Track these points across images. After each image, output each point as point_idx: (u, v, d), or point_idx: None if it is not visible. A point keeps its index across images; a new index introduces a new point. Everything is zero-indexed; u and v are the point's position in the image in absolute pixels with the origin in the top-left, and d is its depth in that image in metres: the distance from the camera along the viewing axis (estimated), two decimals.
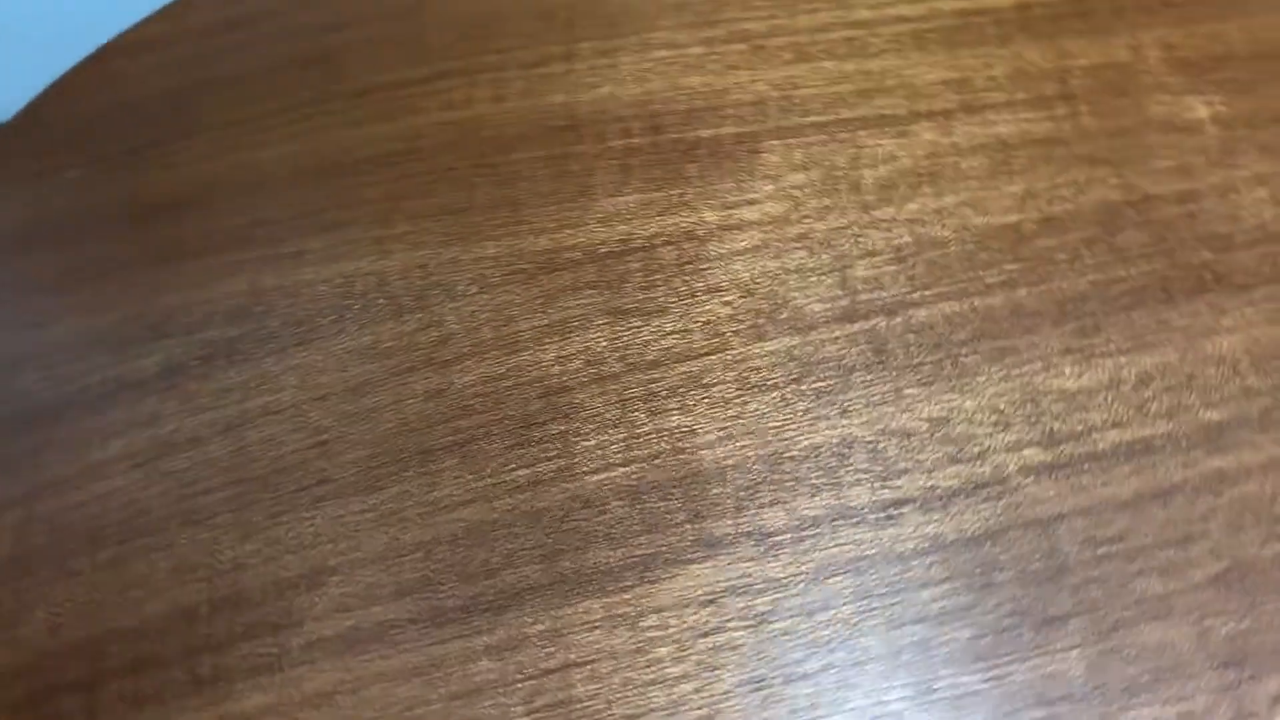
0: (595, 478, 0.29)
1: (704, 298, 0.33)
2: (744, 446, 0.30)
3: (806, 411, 0.30)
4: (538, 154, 0.38)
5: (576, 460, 0.30)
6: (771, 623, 0.27)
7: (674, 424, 0.30)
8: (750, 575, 0.28)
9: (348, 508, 0.30)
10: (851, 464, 0.29)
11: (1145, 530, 0.27)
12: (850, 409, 0.30)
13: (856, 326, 0.31)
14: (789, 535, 0.28)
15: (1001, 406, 0.29)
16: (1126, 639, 0.26)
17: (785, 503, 0.29)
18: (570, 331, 0.33)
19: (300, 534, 0.30)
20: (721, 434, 0.30)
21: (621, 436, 0.30)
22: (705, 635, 0.27)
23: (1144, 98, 0.35)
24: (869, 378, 0.30)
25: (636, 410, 0.31)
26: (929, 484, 0.28)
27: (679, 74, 0.39)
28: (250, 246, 0.38)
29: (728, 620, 0.27)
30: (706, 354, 0.32)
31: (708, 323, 0.32)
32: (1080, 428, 0.29)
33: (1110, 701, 0.25)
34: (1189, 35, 0.36)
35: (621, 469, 0.30)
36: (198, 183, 0.41)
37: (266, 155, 0.41)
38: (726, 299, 0.33)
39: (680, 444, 0.30)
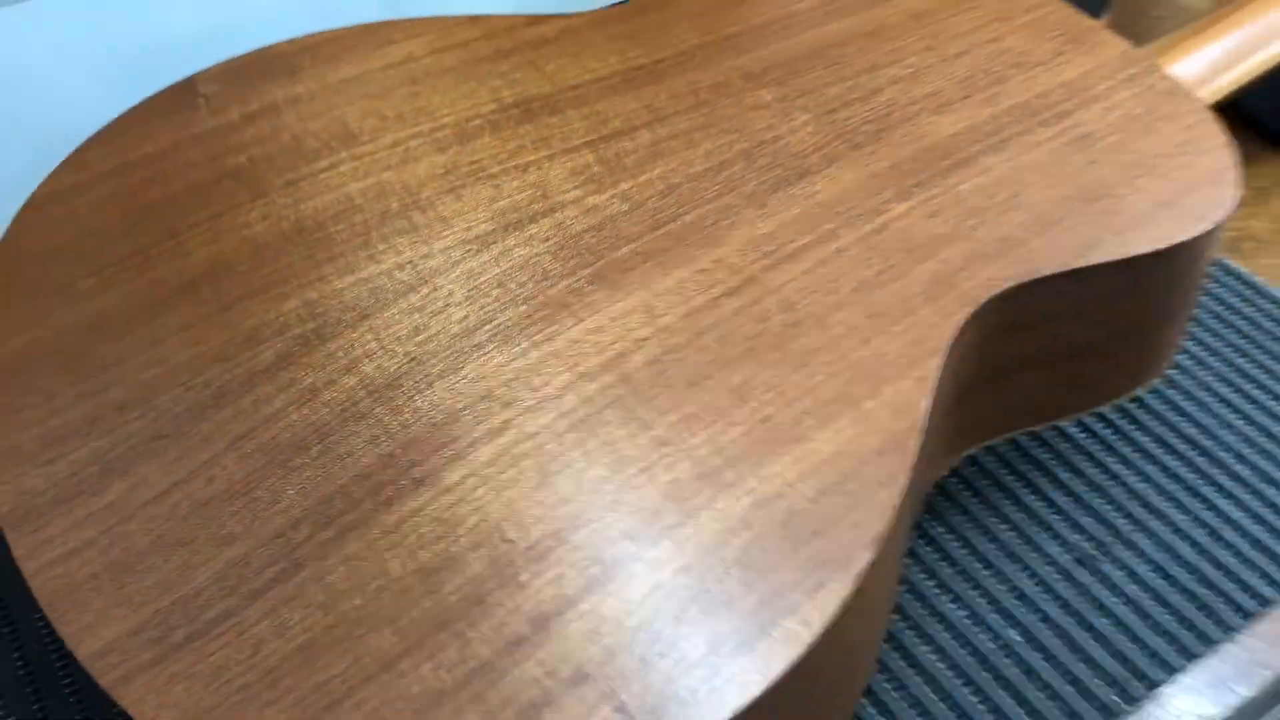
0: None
1: (577, 231, 0.61)
2: (662, 240, 0.58)
3: (647, 260, 0.59)
4: (441, 188, 0.64)
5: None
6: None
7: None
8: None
9: (455, 382, 0.55)
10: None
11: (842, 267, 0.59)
12: (654, 252, 0.60)
13: (661, 231, 0.61)
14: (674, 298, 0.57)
15: (746, 248, 0.60)
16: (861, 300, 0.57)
17: (653, 275, 0.58)
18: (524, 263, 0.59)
19: (433, 403, 0.54)
20: (639, 244, 0.58)
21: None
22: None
23: (739, 95, 0.68)
24: (667, 245, 0.60)
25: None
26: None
27: (496, 132, 0.66)
28: (284, 284, 0.60)
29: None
30: (596, 264, 0.60)
31: (583, 232, 0.60)
32: (781, 244, 0.60)
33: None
34: (755, 60, 0.70)
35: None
36: (211, 261, 0.61)
37: (252, 233, 0.63)
38: (589, 220, 0.61)
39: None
